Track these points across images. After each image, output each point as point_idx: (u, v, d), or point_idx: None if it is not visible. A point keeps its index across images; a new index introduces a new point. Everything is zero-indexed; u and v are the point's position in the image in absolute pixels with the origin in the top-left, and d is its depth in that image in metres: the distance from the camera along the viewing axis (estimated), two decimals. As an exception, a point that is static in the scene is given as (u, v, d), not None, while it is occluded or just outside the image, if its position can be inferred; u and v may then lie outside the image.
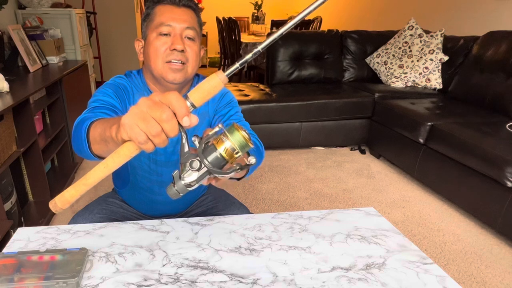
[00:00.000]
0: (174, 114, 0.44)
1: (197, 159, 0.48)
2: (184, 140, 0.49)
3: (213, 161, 0.48)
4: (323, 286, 0.72)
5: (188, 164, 0.49)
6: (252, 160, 0.52)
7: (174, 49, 0.87)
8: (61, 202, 0.50)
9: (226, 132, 0.48)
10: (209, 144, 0.49)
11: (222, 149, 0.48)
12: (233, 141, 0.47)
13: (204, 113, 1.01)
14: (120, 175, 1.08)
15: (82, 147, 0.68)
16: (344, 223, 0.96)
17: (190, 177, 0.50)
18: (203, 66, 6.57)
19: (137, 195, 1.08)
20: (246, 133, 0.48)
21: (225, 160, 0.48)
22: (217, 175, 0.50)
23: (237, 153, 0.48)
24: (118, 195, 1.15)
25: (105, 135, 0.58)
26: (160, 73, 0.90)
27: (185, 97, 0.46)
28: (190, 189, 0.51)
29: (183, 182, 0.50)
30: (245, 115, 1.11)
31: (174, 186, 0.51)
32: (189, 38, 0.90)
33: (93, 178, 0.49)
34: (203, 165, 0.48)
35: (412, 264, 0.80)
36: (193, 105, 0.46)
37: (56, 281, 0.66)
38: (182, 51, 0.88)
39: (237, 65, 0.47)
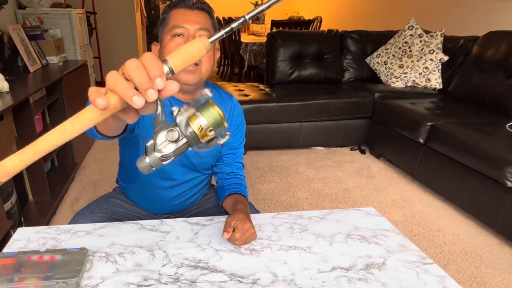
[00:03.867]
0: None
1: (176, 129, 0.45)
2: (159, 109, 0.45)
3: (190, 135, 0.45)
4: (323, 286, 0.72)
5: (165, 134, 0.45)
6: (226, 138, 0.48)
7: None
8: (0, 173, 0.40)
9: (200, 108, 0.45)
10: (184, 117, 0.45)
11: (195, 125, 0.45)
12: (208, 118, 0.44)
13: None
14: (129, 171, 1.09)
15: None
16: (344, 223, 0.96)
17: (166, 148, 0.45)
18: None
19: (144, 191, 1.09)
20: (221, 110, 0.46)
21: (197, 137, 0.45)
22: (195, 148, 0.46)
23: (210, 131, 0.45)
24: (120, 194, 1.16)
25: None
26: (174, 76, 0.91)
27: (165, 61, 0.42)
28: (164, 163, 0.46)
29: (158, 155, 0.45)
30: (245, 115, 1.13)
31: (146, 159, 0.46)
32: None
33: (45, 144, 0.41)
34: (181, 137, 0.45)
35: (412, 264, 0.80)
36: (171, 71, 0.42)
37: (56, 281, 0.66)
38: None
39: (222, 32, 0.44)
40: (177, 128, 0.45)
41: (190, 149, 0.47)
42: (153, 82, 0.40)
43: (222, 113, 0.45)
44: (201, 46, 0.43)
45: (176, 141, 0.45)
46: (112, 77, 0.40)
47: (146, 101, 0.40)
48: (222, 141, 0.47)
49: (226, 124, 0.46)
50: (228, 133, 0.48)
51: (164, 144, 0.45)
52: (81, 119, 0.41)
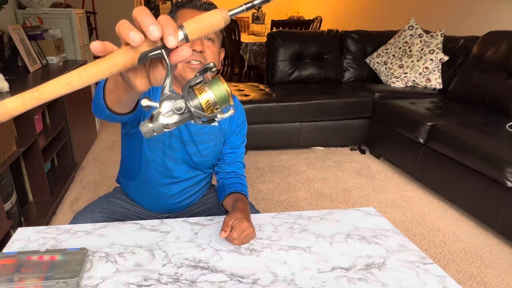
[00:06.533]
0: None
1: (183, 101, 0.46)
2: (169, 76, 0.45)
3: (196, 107, 0.46)
4: (323, 286, 0.72)
5: (172, 104, 0.46)
6: (230, 111, 0.49)
7: (193, 50, 0.90)
8: None
9: (210, 82, 0.46)
10: (191, 89, 0.47)
11: (203, 99, 0.46)
12: (215, 93, 0.46)
13: (218, 131, 1.06)
14: (130, 168, 1.10)
15: (98, 100, 0.66)
16: (344, 223, 0.96)
17: (171, 118, 0.46)
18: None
19: (145, 188, 1.09)
20: (229, 88, 0.47)
21: (203, 110, 0.46)
22: (200, 119, 0.47)
23: (215, 105, 0.46)
24: (120, 194, 1.16)
25: (117, 80, 0.54)
26: (180, 72, 0.93)
27: (181, 27, 0.42)
28: (166, 130, 0.48)
29: (162, 122, 0.47)
30: (245, 115, 1.13)
31: (150, 124, 0.47)
32: (208, 39, 0.94)
33: (49, 93, 0.41)
34: (186, 108, 0.46)
35: (412, 264, 0.80)
36: (186, 37, 0.42)
37: (56, 281, 0.66)
38: (201, 52, 0.91)
39: (244, 7, 0.44)
40: (183, 100, 0.46)
41: (193, 122, 0.48)
42: (166, 40, 0.39)
43: (230, 90, 0.46)
44: (220, 18, 0.42)
45: (180, 110, 0.46)
46: (120, 22, 0.40)
47: (157, 66, 0.41)
48: (225, 115, 0.48)
49: (232, 102, 0.47)
50: (233, 110, 0.49)
51: (169, 114, 0.46)
52: (88, 71, 0.41)
